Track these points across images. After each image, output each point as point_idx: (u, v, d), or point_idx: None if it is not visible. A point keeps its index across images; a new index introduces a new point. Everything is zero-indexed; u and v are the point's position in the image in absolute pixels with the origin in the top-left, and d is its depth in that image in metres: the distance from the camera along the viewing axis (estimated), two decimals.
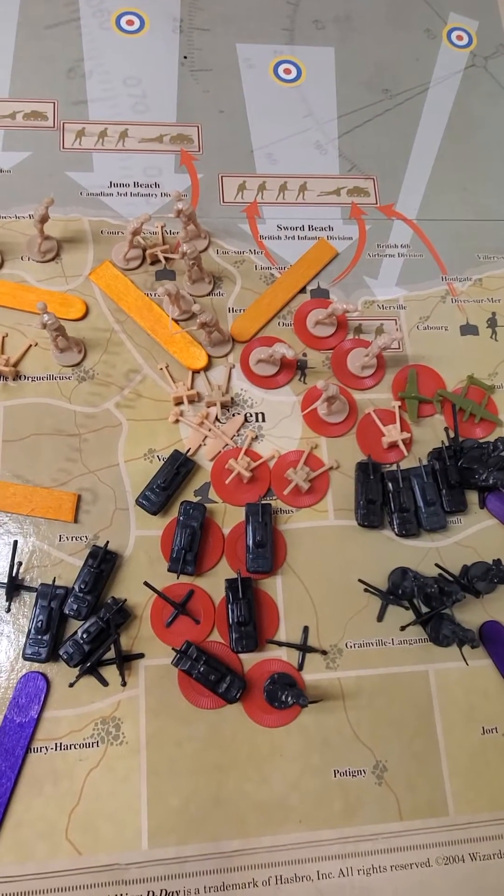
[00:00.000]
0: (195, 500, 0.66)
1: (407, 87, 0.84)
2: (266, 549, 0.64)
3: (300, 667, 0.63)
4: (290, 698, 0.57)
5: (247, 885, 0.58)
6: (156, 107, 0.79)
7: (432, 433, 0.72)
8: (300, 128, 0.80)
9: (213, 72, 0.81)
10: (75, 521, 0.64)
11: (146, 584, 0.61)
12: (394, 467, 0.68)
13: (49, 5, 0.80)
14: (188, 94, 0.80)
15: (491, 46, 0.88)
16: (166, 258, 0.72)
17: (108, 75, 0.79)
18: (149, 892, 0.57)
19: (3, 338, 0.68)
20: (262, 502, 0.66)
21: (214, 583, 0.64)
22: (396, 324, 0.75)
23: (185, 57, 0.81)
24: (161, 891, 0.57)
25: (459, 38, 0.87)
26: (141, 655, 0.62)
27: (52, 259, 0.71)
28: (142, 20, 0.82)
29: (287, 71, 0.82)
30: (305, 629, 0.64)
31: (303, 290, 0.75)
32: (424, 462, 0.70)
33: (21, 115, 0.76)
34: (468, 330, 0.76)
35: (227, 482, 0.66)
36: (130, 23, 0.81)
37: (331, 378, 0.72)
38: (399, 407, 0.71)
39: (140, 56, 0.81)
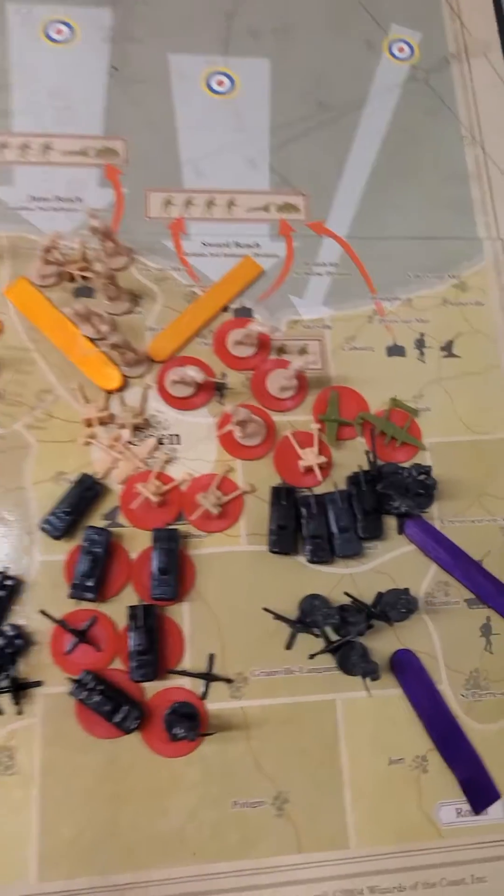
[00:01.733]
0: (104, 523, 0.66)
1: (344, 100, 0.84)
2: (170, 576, 0.64)
3: (204, 696, 0.63)
4: (179, 731, 0.57)
5: None
6: (82, 119, 0.79)
7: (353, 457, 0.72)
8: (231, 141, 0.80)
9: (144, 83, 0.81)
10: None
11: (42, 612, 0.61)
12: (308, 492, 0.68)
13: None
14: (116, 106, 0.80)
15: (433, 60, 0.87)
16: (83, 276, 0.71)
17: (34, 86, 0.79)
18: None
19: None
20: (170, 527, 0.65)
21: (119, 609, 0.64)
22: (321, 344, 0.74)
23: (115, 68, 0.81)
24: None
25: (401, 49, 0.87)
26: (38, 683, 0.62)
27: None
28: (71, 29, 0.81)
29: (220, 83, 0.82)
30: (211, 657, 0.64)
31: (225, 309, 0.74)
32: (343, 487, 0.70)
33: None
34: (395, 351, 0.75)
35: (131, 507, 0.66)
36: (59, 32, 0.81)
37: (250, 400, 0.72)
38: (318, 430, 0.71)
39: (68, 66, 0.80)
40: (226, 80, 0.83)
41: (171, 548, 0.64)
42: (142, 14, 0.84)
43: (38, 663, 0.63)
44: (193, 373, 0.65)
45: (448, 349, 0.76)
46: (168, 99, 0.81)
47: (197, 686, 0.64)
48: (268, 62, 0.84)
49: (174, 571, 0.64)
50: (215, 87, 0.82)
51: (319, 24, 0.87)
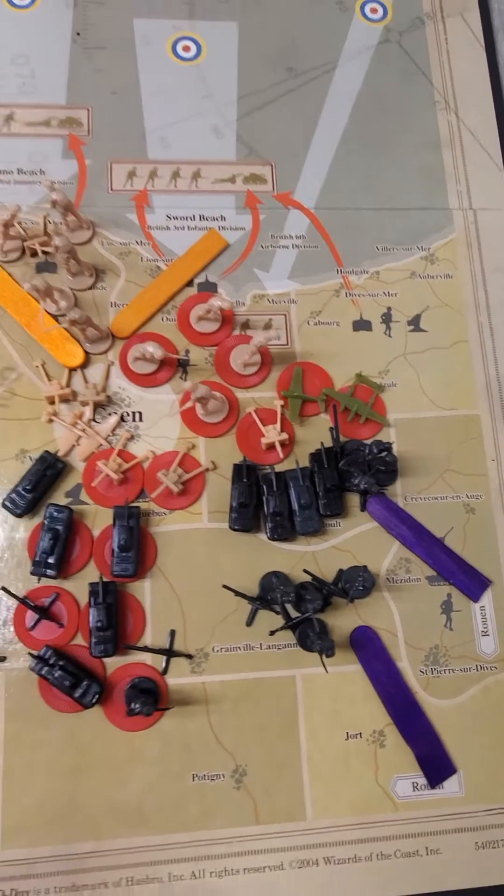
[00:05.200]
0: (66, 501, 0.69)
1: (314, 65, 0.85)
2: (131, 554, 0.67)
3: (164, 671, 0.67)
4: (135, 706, 0.61)
5: (97, 887, 0.62)
6: (44, 87, 0.80)
7: (316, 434, 0.74)
8: (197, 110, 0.82)
9: (108, 49, 0.82)
10: None
11: (4, 589, 0.64)
12: (268, 469, 0.71)
13: None
14: (80, 74, 0.81)
15: (406, 20, 0.88)
16: (44, 251, 0.74)
17: None
18: None
19: None
20: (130, 505, 0.68)
21: (82, 586, 0.68)
22: (286, 319, 0.77)
23: (79, 33, 0.82)
24: (11, 891, 0.61)
25: (374, 10, 0.88)
26: (2, 659, 0.65)
27: None
28: None
29: (186, 48, 0.83)
30: (172, 633, 0.68)
31: (190, 284, 0.77)
32: (306, 464, 0.72)
33: None
34: (361, 325, 0.78)
35: (93, 484, 0.68)
36: None
37: (213, 376, 0.74)
38: (281, 406, 0.73)
39: (30, 32, 0.82)
40: (192, 45, 0.84)
41: (132, 525, 0.67)
42: None
43: (1, 639, 0.66)
44: (152, 349, 0.68)
45: (415, 323, 0.78)
46: (133, 65, 0.83)
47: (158, 662, 0.67)
48: (235, 26, 0.85)
49: (135, 548, 0.67)
50: (181, 52, 0.84)
51: None
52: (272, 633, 0.69)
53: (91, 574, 0.68)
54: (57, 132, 0.79)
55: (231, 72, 0.84)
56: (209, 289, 0.77)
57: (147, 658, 0.67)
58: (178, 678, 0.67)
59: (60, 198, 0.70)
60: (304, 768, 0.66)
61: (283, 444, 0.72)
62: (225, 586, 0.68)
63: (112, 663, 0.67)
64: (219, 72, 0.84)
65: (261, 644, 0.69)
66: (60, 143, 0.79)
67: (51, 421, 0.71)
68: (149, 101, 0.82)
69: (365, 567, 0.68)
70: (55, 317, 0.73)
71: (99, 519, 0.70)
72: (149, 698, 0.62)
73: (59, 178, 0.78)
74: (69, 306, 0.67)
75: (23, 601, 0.65)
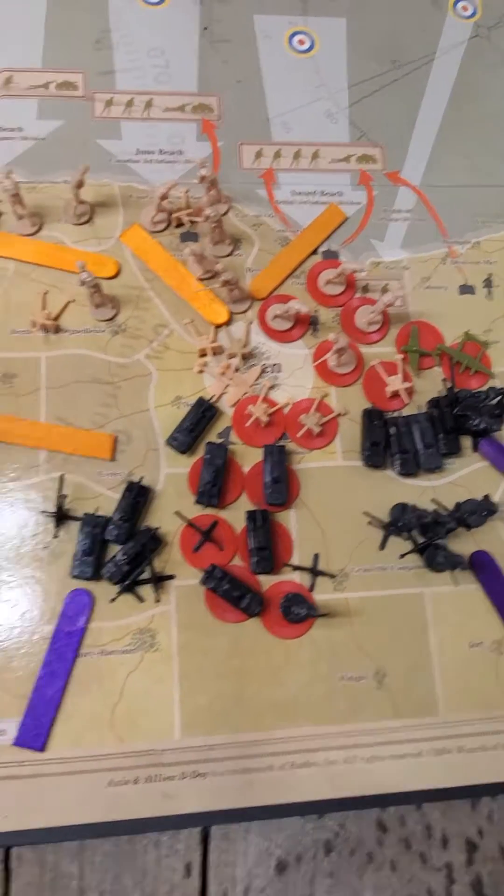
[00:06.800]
0: (218, 441, 0.81)
1: (413, 57, 0.97)
2: (282, 485, 0.78)
3: (311, 588, 0.78)
4: (302, 610, 0.72)
5: (264, 770, 0.73)
6: (178, 77, 0.92)
7: (431, 384, 0.86)
8: (313, 97, 0.93)
9: (232, 43, 0.94)
10: (112, 459, 0.79)
11: (177, 513, 0.76)
12: (396, 414, 0.83)
13: None
14: (208, 65, 0.93)
15: (494, 17, 1.00)
16: (191, 221, 0.85)
17: (132, 46, 0.91)
18: (181, 772, 0.72)
19: (45, 295, 0.82)
20: (279, 444, 0.80)
21: (235, 515, 0.79)
22: (400, 284, 0.88)
23: (206, 28, 0.93)
24: (192, 772, 0.72)
25: (465, 8, 1.00)
26: (172, 577, 0.76)
27: (86, 222, 0.85)
28: None
29: (301, 42, 0.95)
30: (316, 556, 0.79)
31: (315, 252, 0.88)
32: (423, 410, 0.84)
33: (53, 85, 0.89)
34: (466, 290, 0.89)
35: (246, 425, 0.80)
36: None
37: (340, 333, 0.86)
38: (402, 360, 0.85)
39: (163, 27, 0.93)
40: (306, 39, 0.96)
41: (282, 460, 0.79)
42: None
43: (170, 560, 0.77)
44: (298, 305, 0.79)
45: None
46: (255, 57, 0.94)
47: (305, 581, 0.79)
48: (344, 22, 0.97)
49: (284, 481, 0.79)
50: (297, 45, 0.95)
51: None
52: (402, 556, 0.80)
53: (243, 505, 0.80)
54: (191, 117, 0.91)
55: (341, 63, 0.96)
56: (332, 256, 0.89)
57: (296, 577, 0.79)
58: (324, 594, 0.79)
59: (208, 174, 0.81)
60: (435, 672, 0.78)
61: (406, 391, 0.83)
62: (366, 513, 0.79)
63: (266, 581, 0.78)
64: (331, 63, 0.95)
65: (393, 566, 0.80)
66: (195, 127, 0.91)
67: (201, 371, 0.82)
68: (270, 89, 0.93)
69: (487, 496, 0.79)
70: (201, 280, 0.84)
71: (247, 458, 0.81)
72: (310, 603, 0.73)
73: (196, 157, 0.89)
74: (224, 268, 0.79)
75: (191, 524, 0.77)
